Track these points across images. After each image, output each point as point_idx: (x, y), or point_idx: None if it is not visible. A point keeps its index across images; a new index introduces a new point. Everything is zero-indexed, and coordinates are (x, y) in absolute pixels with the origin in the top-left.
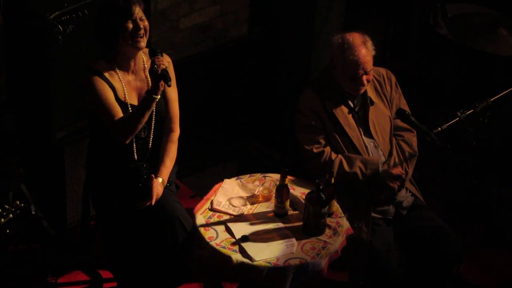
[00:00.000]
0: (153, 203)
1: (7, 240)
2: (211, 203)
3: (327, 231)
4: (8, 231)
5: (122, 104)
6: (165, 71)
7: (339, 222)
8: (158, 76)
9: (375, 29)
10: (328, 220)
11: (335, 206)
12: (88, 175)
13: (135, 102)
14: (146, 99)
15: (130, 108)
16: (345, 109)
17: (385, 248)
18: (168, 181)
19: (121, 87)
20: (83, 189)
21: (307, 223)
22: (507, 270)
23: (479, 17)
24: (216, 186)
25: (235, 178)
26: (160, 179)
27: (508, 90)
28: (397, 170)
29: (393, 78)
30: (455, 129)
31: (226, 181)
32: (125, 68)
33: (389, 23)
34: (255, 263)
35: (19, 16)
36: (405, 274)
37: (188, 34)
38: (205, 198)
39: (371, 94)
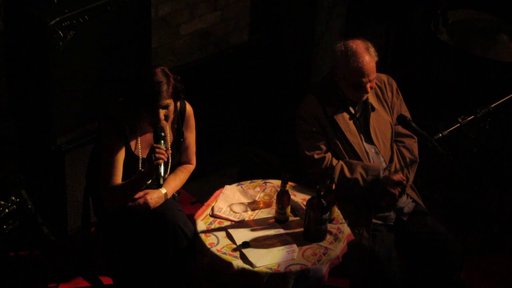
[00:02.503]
0: (141, 202)
1: (7, 246)
2: (212, 209)
3: (328, 237)
4: (5, 226)
5: (134, 157)
6: (159, 169)
7: (340, 228)
8: (155, 168)
9: (376, 35)
10: (329, 226)
11: (336, 212)
12: (89, 182)
13: (145, 155)
14: (137, 181)
15: (140, 162)
16: (346, 115)
17: (386, 254)
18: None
19: (137, 140)
20: (83, 196)
21: (308, 229)
22: (508, 276)
23: (480, 23)
24: (217, 192)
25: (236, 184)
26: (164, 190)
27: (509, 96)
28: (398, 176)
29: (394, 84)
30: (456, 135)
31: (227, 187)
32: (146, 126)
33: (390, 29)
34: (256, 269)
35: (20, 22)
36: (405, 280)
37: (188, 40)
38: (206, 204)
39: (372, 100)
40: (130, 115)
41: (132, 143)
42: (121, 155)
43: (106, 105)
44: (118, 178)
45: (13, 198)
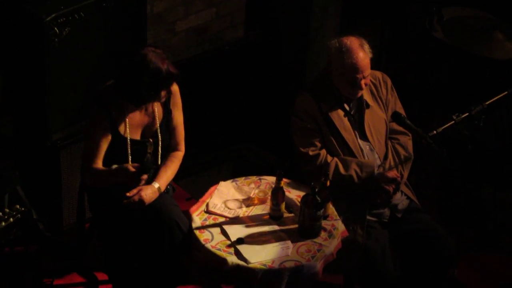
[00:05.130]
0: (136, 199)
1: (3, 242)
2: (207, 205)
3: (323, 233)
4: (8, 235)
5: (122, 139)
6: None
7: (335, 224)
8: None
9: (371, 33)
10: (324, 223)
11: (331, 209)
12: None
13: (137, 136)
14: (117, 177)
15: (129, 143)
16: (341, 112)
17: (380, 251)
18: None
19: (125, 122)
20: (78, 192)
21: (303, 225)
22: (502, 273)
23: (475, 21)
24: (212, 188)
25: (231, 180)
26: (156, 185)
27: (503, 94)
28: (393, 173)
29: (389, 81)
30: (451, 133)
31: (222, 183)
32: (134, 107)
33: (385, 27)
34: (250, 265)
35: (16, 18)
36: (400, 277)
37: (184, 37)
38: (200, 200)
39: (367, 97)
40: (125, 96)
41: (120, 125)
42: (106, 139)
43: (94, 90)
44: (100, 161)
45: (18, 206)
